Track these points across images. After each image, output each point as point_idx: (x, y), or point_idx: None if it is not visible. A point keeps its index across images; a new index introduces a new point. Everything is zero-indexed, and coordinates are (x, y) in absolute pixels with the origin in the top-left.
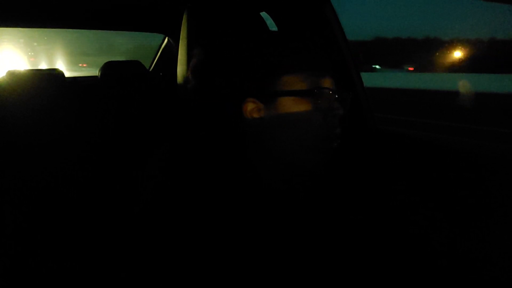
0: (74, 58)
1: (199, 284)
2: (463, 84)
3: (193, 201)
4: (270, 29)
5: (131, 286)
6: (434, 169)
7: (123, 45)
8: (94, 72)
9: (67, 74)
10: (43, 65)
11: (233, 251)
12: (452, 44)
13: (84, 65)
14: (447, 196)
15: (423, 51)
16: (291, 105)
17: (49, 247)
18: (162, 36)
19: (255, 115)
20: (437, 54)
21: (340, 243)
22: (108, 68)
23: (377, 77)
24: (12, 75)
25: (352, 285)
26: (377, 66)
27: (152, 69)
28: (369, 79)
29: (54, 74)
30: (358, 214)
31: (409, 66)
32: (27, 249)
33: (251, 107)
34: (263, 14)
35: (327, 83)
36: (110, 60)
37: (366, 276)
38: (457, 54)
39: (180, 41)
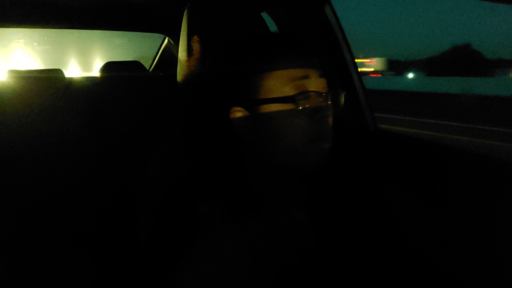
0: None
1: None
2: None
3: (191, 202)
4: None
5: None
6: (433, 169)
7: None
8: None
9: None
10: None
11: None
12: None
13: None
14: (446, 196)
15: None
16: (276, 111)
17: (49, 250)
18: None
19: (243, 123)
20: None
21: (338, 243)
22: (108, 68)
23: None
24: (12, 75)
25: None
26: None
27: (152, 69)
28: None
29: (54, 74)
30: (356, 214)
31: None
32: (27, 252)
33: (238, 115)
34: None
35: (312, 83)
36: None
37: (363, 277)
38: None
39: (180, 41)
